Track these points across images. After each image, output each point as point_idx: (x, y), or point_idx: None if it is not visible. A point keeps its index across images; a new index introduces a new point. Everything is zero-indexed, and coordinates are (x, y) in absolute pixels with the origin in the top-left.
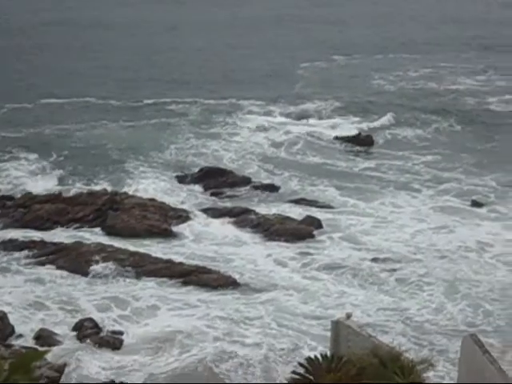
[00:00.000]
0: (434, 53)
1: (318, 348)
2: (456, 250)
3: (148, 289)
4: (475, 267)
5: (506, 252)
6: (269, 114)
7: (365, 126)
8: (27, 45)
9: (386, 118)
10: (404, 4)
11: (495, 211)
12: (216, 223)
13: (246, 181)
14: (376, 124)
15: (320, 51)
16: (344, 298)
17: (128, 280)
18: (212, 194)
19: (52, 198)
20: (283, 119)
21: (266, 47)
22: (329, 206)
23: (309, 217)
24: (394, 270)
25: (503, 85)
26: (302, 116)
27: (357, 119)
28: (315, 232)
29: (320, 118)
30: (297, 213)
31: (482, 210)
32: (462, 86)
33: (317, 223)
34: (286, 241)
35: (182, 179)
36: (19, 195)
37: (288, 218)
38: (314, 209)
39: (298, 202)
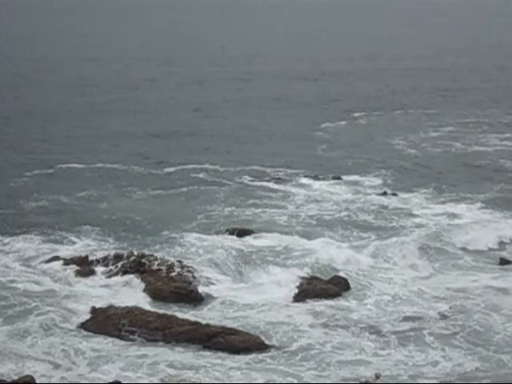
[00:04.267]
0: (453, 108)
1: None
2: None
3: (175, 352)
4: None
5: None
6: (299, 182)
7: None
8: (43, 109)
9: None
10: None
11: None
12: (242, 284)
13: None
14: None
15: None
16: (372, 357)
17: (155, 342)
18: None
19: (78, 261)
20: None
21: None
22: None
23: (336, 276)
24: (423, 328)
25: None
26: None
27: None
28: (343, 291)
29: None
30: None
31: None
32: (491, 148)
33: (344, 282)
34: (314, 301)
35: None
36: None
37: (315, 278)
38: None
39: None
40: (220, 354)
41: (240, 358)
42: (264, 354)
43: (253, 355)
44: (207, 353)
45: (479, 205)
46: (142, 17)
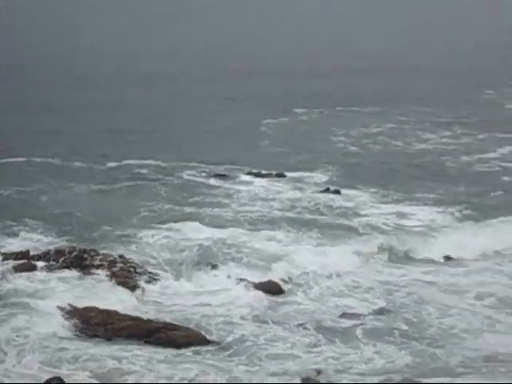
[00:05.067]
0: (394, 106)
1: None
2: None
3: (114, 348)
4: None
5: None
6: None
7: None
8: None
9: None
10: (362, 58)
11: None
12: (184, 279)
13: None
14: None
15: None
16: (304, 353)
17: (96, 338)
18: None
19: (19, 257)
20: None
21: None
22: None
23: (280, 272)
24: (362, 324)
25: (470, 141)
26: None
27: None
28: (286, 287)
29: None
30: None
31: None
32: (431, 146)
33: (287, 278)
34: (255, 296)
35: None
36: None
37: (260, 275)
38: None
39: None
40: (150, 348)
41: (170, 351)
42: (196, 348)
43: (183, 349)
44: (135, 346)
45: (428, 205)
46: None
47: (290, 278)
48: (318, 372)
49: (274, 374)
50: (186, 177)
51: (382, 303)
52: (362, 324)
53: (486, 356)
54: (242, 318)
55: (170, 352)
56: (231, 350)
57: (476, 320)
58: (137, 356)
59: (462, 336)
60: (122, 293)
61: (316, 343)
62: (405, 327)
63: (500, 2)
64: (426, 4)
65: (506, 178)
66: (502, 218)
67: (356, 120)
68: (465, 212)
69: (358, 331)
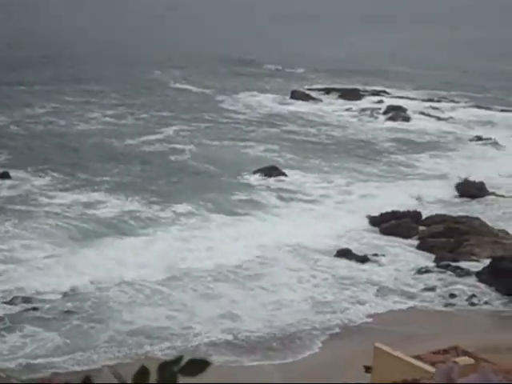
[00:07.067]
0: (60, 85)
1: None
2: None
3: None
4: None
5: None
6: None
7: None
8: None
9: None
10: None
11: None
12: None
13: None
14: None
15: None
16: None
17: None
18: None
19: None
20: None
21: None
22: None
23: None
24: (36, 308)
25: (136, 122)
26: None
27: None
28: None
29: None
30: None
31: None
32: (94, 126)
33: None
34: None
35: None
36: None
37: None
38: None
39: None
40: None
41: None
42: None
43: None
44: None
45: (111, 191)
46: None
47: None
48: None
49: None
50: None
51: (63, 287)
52: (33, 309)
53: (134, 329)
54: None
55: None
56: None
57: (135, 293)
58: None
59: (118, 310)
60: None
61: None
62: (68, 306)
63: None
64: None
65: (172, 158)
66: (186, 205)
67: (20, 100)
68: (152, 199)
69: (15, 317)
